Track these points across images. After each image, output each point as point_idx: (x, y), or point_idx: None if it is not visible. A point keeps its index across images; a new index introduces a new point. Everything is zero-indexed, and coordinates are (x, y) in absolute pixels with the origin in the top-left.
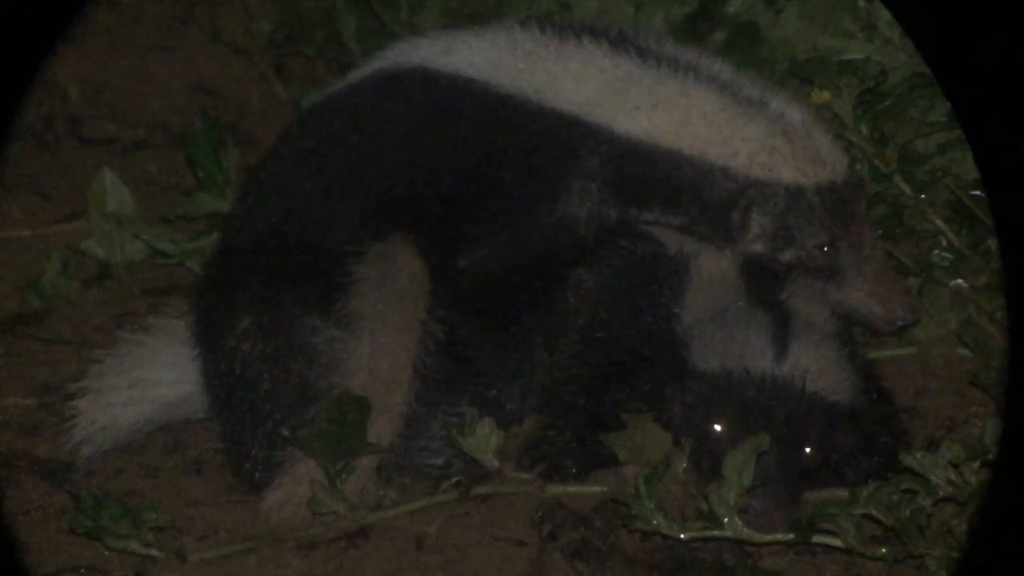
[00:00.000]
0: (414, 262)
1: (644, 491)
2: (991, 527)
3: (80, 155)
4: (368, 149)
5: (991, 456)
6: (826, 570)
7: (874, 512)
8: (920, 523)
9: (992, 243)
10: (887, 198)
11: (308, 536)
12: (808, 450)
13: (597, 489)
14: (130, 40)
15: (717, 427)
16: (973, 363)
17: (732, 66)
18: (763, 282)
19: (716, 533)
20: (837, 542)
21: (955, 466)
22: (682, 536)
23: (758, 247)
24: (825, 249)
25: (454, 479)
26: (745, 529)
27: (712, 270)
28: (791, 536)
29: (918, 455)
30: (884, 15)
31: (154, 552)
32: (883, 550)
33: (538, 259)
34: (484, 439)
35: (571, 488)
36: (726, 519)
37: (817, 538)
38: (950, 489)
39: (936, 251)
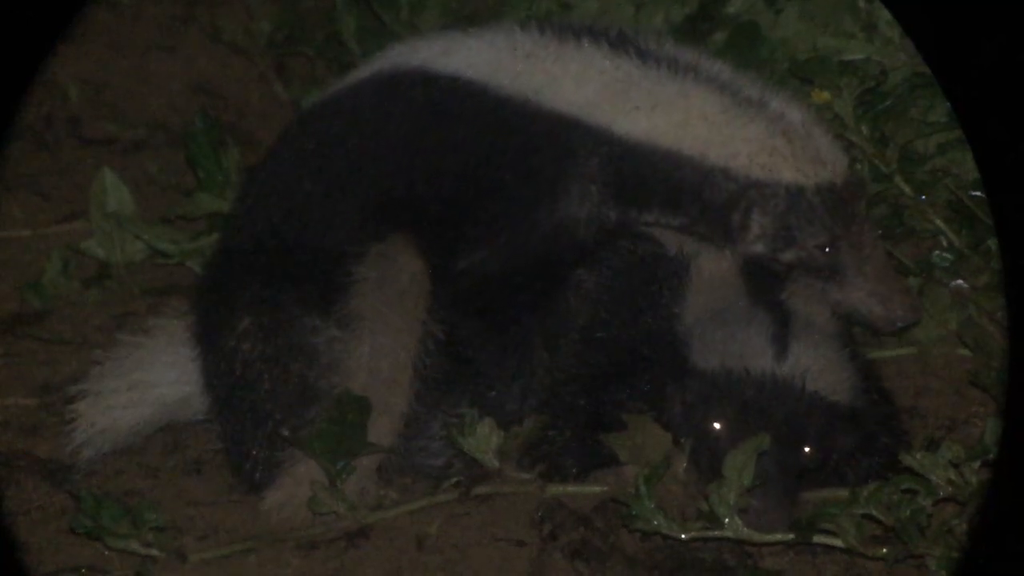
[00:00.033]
0: (414, 263)
1: (644, 491)
2: (991, 527)
3: (80, 155)
4: (368, 150)
5: (991, 456)
6: (826, 570)
7: (874, 512)
8: (920, 523)
9: (992, 243)
10: (887, 198)
11: (308, 536)
12: (808, 450)
13: (597, 489)
14: (130, 40)
15: (717, 427)
16: (973, 363)
17: (732, 66)
18: (763, 282)
19: (716, 533)
20: (837, 542)
21: (955, 466)
22: (682, 536)
23: (759, 247)
24: (826, 249)
25: (454, 479)
26: (745, 529)
27: (712, 270)
28: (791, 536)
29: (918, 455)
30: (884, 15)
31: (154, 552)
32: (883, 550)
33: (538, 260)
34: (484, 439)
35: (571, 488)
36: (726, 519)
37: (817, 538)
38: (950, 489)
39: (936, 251)
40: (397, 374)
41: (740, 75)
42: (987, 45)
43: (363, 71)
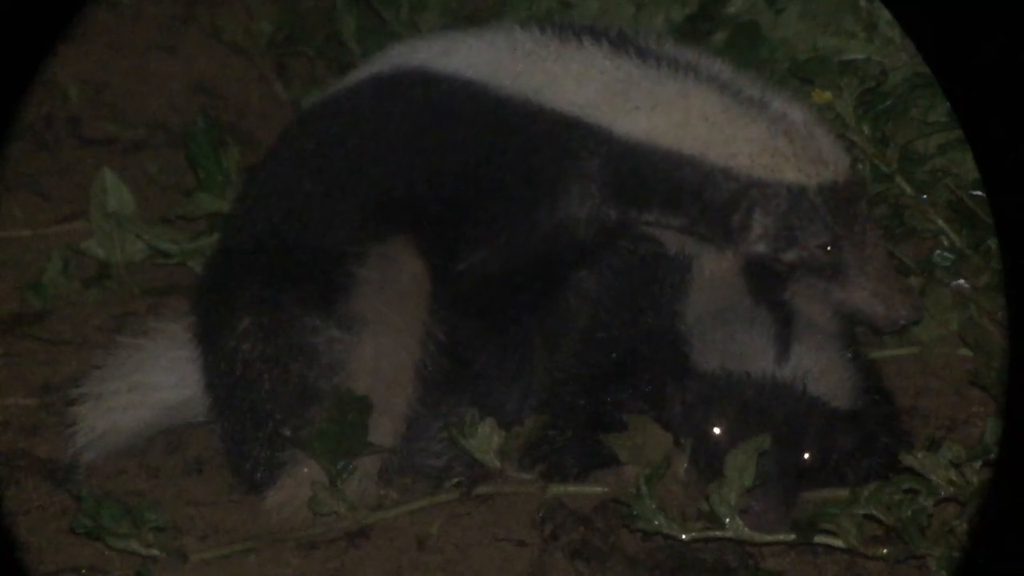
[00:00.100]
0: (415, 263)
1: (645, 491)
2: (992, 527)
3: (80, 155)
4: (368, 150)
5: (992, 456)
6: (827, 570)
7: (875, 512)
8: (921, 523)
9: (993, 243)
10: (888, 198)
11: (309, 536)
12: (808, 450)
13: (598, 489)
14: (130, 40)
15: (718, 427)
16: (974, 363)
17: (732, 66)
18: (765, 282)
19: (717, 533)
20: (838, 542)
21: (956, 466)
22: (683, 536)
23: (760, 247)
24: (827, 249)
25: (455, 479)
26: (746, 529)
27: (713, 270)
28: (792, 536)
29: (919, 455)
30: (885, 15)
31: (155, 552)
32: (884, 550)
33: (538, 260)
34: (485, 439)
35: (572, 488)
36: (727, 519)
37: (818, 538)
38: (951, 489)
39: (937, 251)
40: (399, 375)
41: (741, 75)
42: (987, 45)
43: (363, 71)
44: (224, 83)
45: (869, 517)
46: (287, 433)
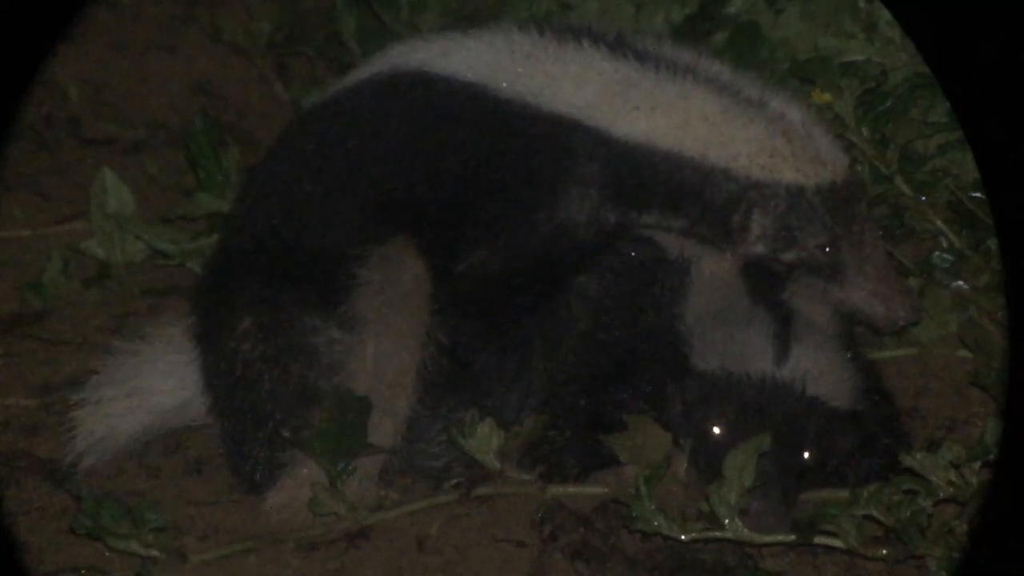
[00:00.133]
0: (416, 264)
1: (645, 492)
2: (992, 528)
3: (80, 155)
4: (367, 151)
5: (992, 457)
6: (827, 571)
7: (875, 513)
8: (921, 524)
9: (992, 244)
10: (888, 199)
11: (308, 537)
12: (808, 451)
13: (598, 490)
14: (130, 40)
15: (717, 427)
16: (973, 363)
17: (732, 67)
18: (764, 283)
19: (717, 534)
20: (838, 543)
21: (956, 467)
22: (683, 537)
23: (759, 248)
24: (827, 249)
25: (455, 480)
26: (746, 530)
27: (713, 271)
28: (792, 537)
29: (919, 456)
30: (885, 15)
31: (155, 552)
32: (884, 551)
33: (538, 262)
34: (485, 440)
35: (572, 489)
36: (727, 520)
37: (818, 539)
38: (951, 490)
39: (937, 252)
40: (399, 376)
41: (739, 75)
42: (987, 45)
43: (362, 72)
44: (224, 83)
45: (869, 518)
46: (287, 434)
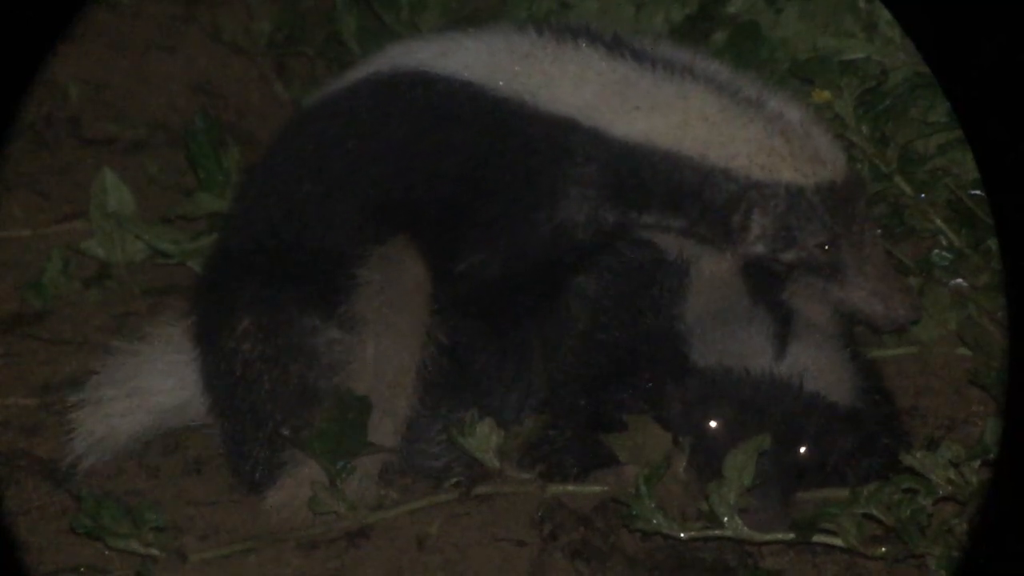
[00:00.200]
0: (416, 265)
1: (644, 491)
2: (991, 527)
3: (80, 155)
4: (366, 151)
5: (991, 456)
6: (827, 570)
7: (875, 512)
8: (921, 523)
9: (992, 243)
10: (887, 198)
11: (309, 536)
12: (807, 450)
13: (598, 489)
14: (130, 40)
15: (717, 427)
16: (973, 363)
17: (731, 66)
18: (764, 282)
19: (717, 533)
20: (838, 541)
21: (955, 466)
22: (683, 536)
23: (759, 248)
24: (826, 248)
25: (455, 479)
26: (746, 529)
27: (713, 271)
28: (792, 536)
29: (918, 455)
30: (885, 15)
31: (155, 552)
32: (883, 549)
33: (537, 262)
34: (484, 439)
35: (572, 488)
36: (726, 519)
37: (818, 538)
38: (950, 489)
39: (936, 251)
40: (400, 376)
41: (738, 75)
42: (987, 45)
43: (360, 71)
44: (224, 83)
45: (868, 516)
46: (287, 433)
